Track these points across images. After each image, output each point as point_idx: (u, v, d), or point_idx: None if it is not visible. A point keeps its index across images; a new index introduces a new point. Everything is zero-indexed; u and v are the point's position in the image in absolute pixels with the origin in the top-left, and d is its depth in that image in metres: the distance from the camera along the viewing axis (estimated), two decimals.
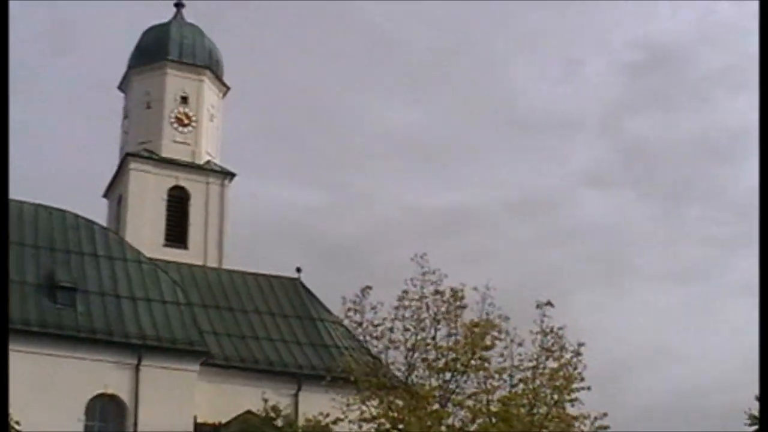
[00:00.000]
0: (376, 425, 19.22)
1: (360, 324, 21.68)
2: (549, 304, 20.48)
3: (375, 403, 19.22)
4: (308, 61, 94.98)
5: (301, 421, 32.27)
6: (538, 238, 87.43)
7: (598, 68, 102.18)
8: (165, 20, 52.99)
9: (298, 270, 47.82)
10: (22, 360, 34.53)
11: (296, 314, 43.52)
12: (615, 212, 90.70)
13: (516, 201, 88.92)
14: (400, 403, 18.94)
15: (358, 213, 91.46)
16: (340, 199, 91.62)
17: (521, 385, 18.80)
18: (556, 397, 19.79)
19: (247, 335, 42.96)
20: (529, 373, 19.07)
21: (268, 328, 43.78)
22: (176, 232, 48.08)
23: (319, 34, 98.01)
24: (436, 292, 19.95)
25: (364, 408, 19.48)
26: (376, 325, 20.84)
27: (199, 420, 37.08)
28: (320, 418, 26.92)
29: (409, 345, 19.96)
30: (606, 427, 21.70)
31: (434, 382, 19.44)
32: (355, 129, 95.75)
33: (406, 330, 19.88)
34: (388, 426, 18.79)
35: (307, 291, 46.34)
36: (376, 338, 21.03)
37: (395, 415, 18.73)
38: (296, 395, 38.66)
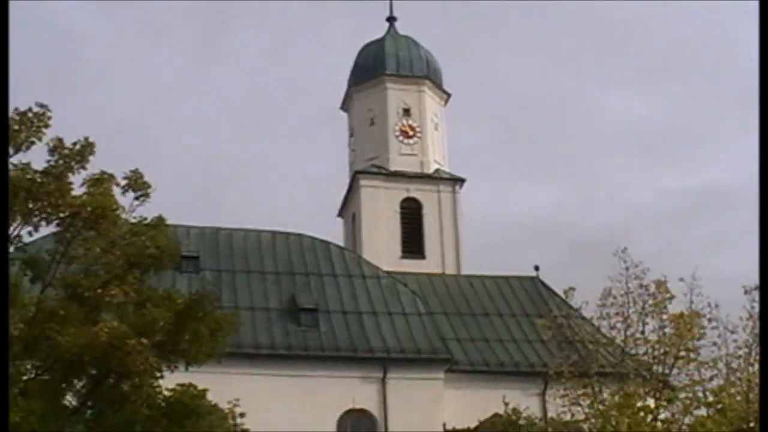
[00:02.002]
0: (590, 424, 18.82)
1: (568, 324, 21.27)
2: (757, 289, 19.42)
3: (587, 402, 18.81)
4: (528, 59, 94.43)
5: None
6: None
7: None
8: (379, 36, 53.86)
9: (536, 268, 47.53)
10: (271, 383, 36.09)
11: (537, 313, 43.05)
12: None
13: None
14: (615, 398, 18.46)
15: (598, 206, 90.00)
16: (578, 192, 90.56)
17: (737, 374, 17.94)
18: None
19: (491, 338, 42.95)
20: (742, 362, 18.19)
21: (511, 330, 43.63)
22: (412, 243, 48.61)
23: (535, 31, 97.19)
24: (641, 286, 19.31)
25: (576, 409, 19.08)
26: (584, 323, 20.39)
27: (448, 427, 37.37)
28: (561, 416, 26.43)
29: (617, 342, 19.41)
30: None
31: (644, 377, 18.84)
32: (585, 122, 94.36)
33: (613, 328, 19.34)
34: (600, 425, 18.35)
35: (547, 288, 45.90)
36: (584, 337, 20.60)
37: (607, 412, 18.27)
38: (543, 395, 38.30)
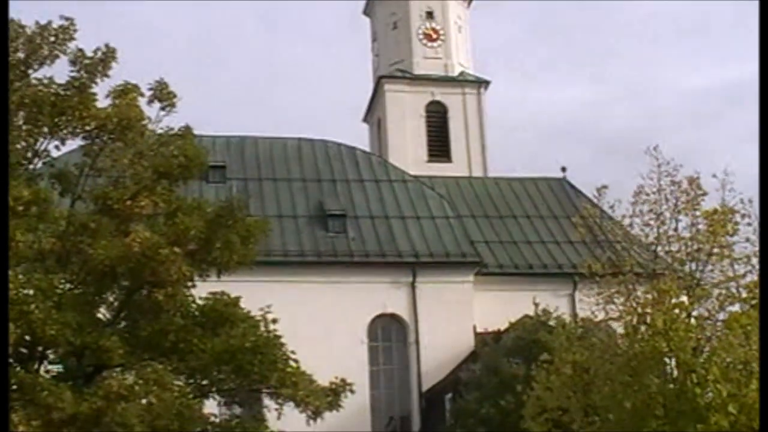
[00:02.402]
0: (623, 323, 18.80)
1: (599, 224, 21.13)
2: None
3: (621, 300, 18.75)
4: None
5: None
6: None
7: None
8: None
9: (563, 169, 47.37)
10: (300, 290, 36.27)
11: (565, 214, 42.97)
12: None
13: None
14: (649, 296, 18.40)
15: (625, 104, 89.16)
16: (608, 90, 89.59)
17: None
18: None
19: (519, 240, 42.95)
20: None
21: (539, 231, 43.59)
22: (438, 146, 48.48)
23: None
24: (673, 182, 19.10)
25: (610, 307, 19.04)
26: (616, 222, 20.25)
27: (478, 329, 37.61)
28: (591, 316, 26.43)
29: (650, 239, 19.28)
30: None
31: (678, 274, 18.76)
32: (613, 15, 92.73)
33: (646, 225, 19.19)
34: (634, 322, 18.32)
35: (574, 189, 45.74)
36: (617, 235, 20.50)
37: (640, 311, 18.24)
38: (572, 295, 38.40)
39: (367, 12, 53.56)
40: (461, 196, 45.07)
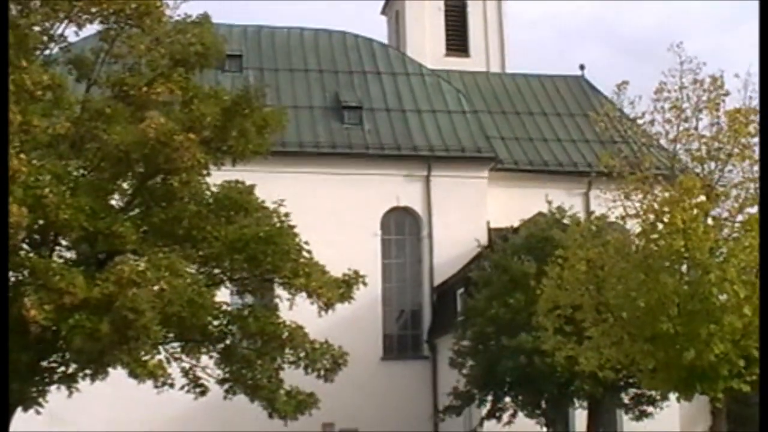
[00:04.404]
0: (640, 221, 18.66)
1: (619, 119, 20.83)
2: None
3: (639, 197, 18.59)
4: None
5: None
6: None
7: None
8: None
9: (582, 67, 46.86)
10: (315, 181, 36.35)
11: (582, 112, 42.60)
12: None
13: None
14: (666, 195, 18.23)
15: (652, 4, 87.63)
16: None
17: None
18: None
19: (535, 137, 42.73)
20: None
21: (555, 129, 43.34)
22: (456, 40, 47.74)
23: None
24: (695, 81, 18.78)
25: (627, 203, 18.88)
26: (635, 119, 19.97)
27: (492, 225, 37.57)
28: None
29: (670, 137, 19.05)
30: None
31: (698, 173, 18.56)
32: None
33: (667, 122, 18.94)
34: (652, 220, 18.18)
35: (592, 88, 45.28)
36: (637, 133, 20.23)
37: (659, 208, 18.07)
38: (587, 194, 38.34)
39: None
40: (478, 91, 44.72)
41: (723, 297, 17.59)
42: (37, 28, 19.20)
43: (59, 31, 19.58)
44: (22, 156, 16.99)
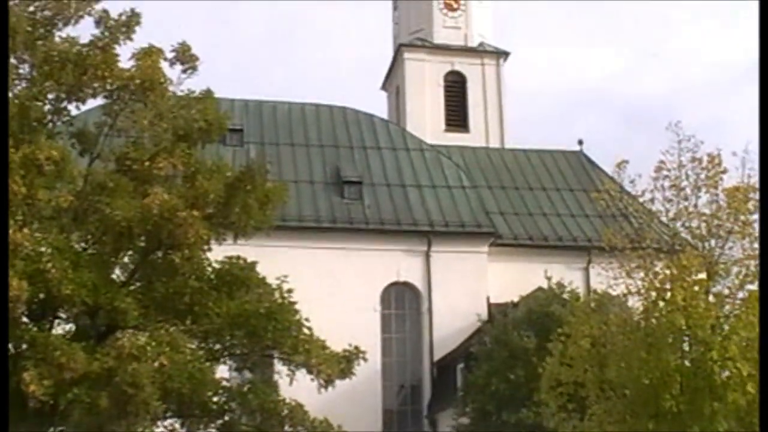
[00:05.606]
0: (642, 298, 18.64)
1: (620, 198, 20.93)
2: None
3: (641, 275, 18.58)
4: None
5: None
6: None
7: None
8: None
9: (580, 142, 47.18)
10: (315, 256, 36.31)
11: (581, 187, 42.85)
12: None
13: None
14: (668, 272, 18.24)
15: (646, 77, 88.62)
16: (634, 61, 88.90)
17: None
18: None
19: (534, 212, 42.84)
20: None
21: (554, 204, 43.45)
22: (456, 116, 48.27)
23: None
24: (693, 159, 18.89)
25: (629, 281, 18.87)
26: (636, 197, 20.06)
27: (492, 300, 37.55)
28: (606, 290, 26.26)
29: (671, 215, 19.10)
30: None
31: (698, 251, 18.58)
32: None
33: (667, 200, 19.01)
34: (653, 297, 18.16)
35: (591, 162, 45.54)
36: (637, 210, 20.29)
37: (660, 286, 18.07)
38: (587, 269, 38.33)
39: None
40: (478, 166, 44.94)
41: (726, 374, 17.51)
42: (39, 103, 19.42)
43: (62, 105, 19.79)
44: (26, 230, 17.05)
